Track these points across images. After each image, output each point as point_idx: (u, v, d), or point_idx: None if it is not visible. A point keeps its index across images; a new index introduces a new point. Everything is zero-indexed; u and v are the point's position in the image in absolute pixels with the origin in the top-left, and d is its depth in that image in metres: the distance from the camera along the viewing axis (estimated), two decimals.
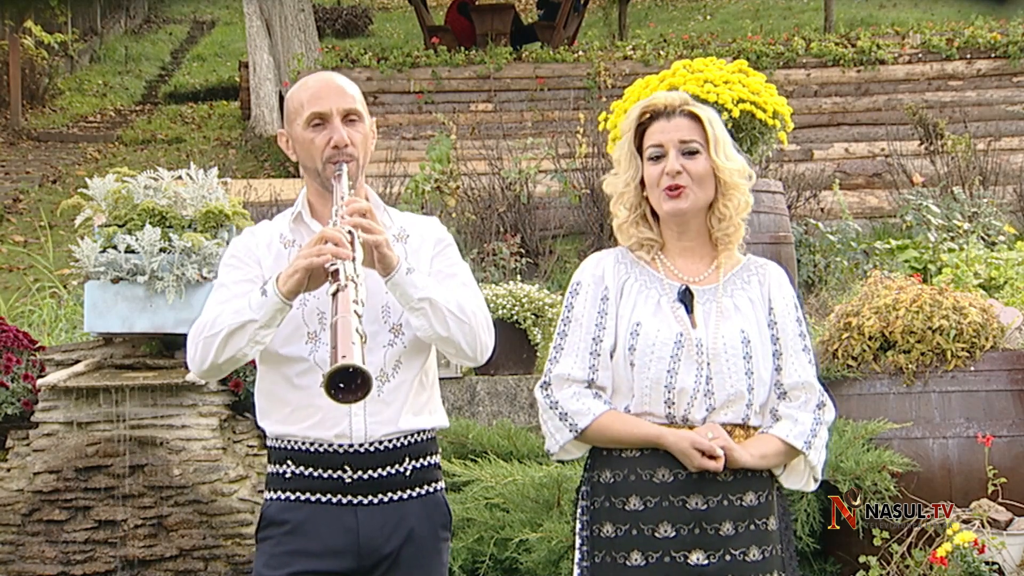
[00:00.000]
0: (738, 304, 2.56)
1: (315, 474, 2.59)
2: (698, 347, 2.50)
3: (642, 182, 2.60)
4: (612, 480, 2.54)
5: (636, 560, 2.49)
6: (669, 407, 2.49)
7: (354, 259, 2.37)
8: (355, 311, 2.25)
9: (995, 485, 4.39)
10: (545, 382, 2.58)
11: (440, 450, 2.75)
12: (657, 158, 2.56)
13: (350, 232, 2.43)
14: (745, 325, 2.53)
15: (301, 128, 2.63)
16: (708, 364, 2.49)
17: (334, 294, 2.31)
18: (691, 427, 2.49)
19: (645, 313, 2.54)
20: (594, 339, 2.55)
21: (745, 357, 2.51)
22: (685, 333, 2.51)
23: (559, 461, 3.59)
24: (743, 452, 2.47)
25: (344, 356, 2.17)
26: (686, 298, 2.55)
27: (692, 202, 2.54)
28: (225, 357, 2.52)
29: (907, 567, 4.23)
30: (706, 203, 2.57)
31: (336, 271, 2.34)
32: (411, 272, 2.52)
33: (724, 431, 2.48)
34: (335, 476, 2.58)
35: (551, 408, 2.56)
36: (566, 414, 2.54)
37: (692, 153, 2.54)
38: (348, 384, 2.19)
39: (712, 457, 2.43)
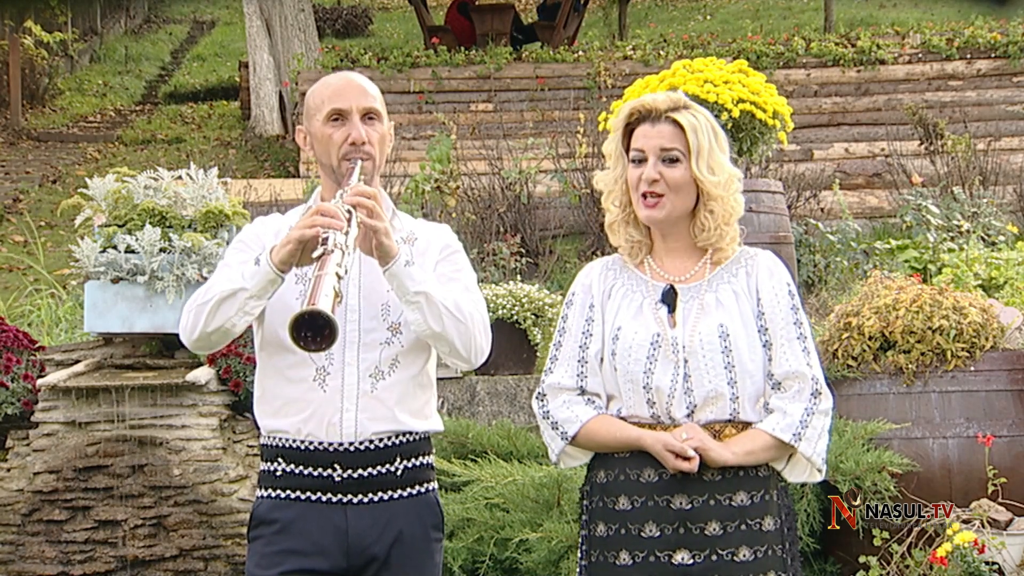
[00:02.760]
0: (721, 299, 2.54)
1: (305, 472, 2.58)
2: (674, 346, 2.49)
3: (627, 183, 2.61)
4: (605, 480, 2.55)
5: (624, 559, 2.50)
6: (651, 407, 2.50)
7: (347, 233, 2.38)
8: (336, 272, 2.27)
9: (995, 485, 4.39)
10: (540, 392, 2.62)
11: (433, 450, 2.74)
12: (638, 162, 2.56)
13: (349, 211, 2.44)
14: (726, 320, 2.51)
15: (320, 124, 2.64)
16: (685, 362, 2.49)
17: (319, 256, 2.33)
18: (676, 426, 2.49)
19: (626, 317, 2.55)
20: (580, 347, 2.58)
21: (724, 352, 2.49)
22: (662, 333, 2.51)
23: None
24: (723, 450, 2.46)
25: (314, 304, 2.18)
26: (669, 298, 2.55)
27: (667, 212, 2.54)
28: (214, 326, 2.53)
29: (907, 567, 4.23)
30: (685, 211, 2.56)
31: (326, 238, 2.36)
32: (410, 265, 2.52)
33: (700, 430, 2.47)
34: (325, 474, 2.57)
35: (544, 418, 2.60)
36: (557, 423, 2.57)
37: (672, 161, 2.53)
38: (315, 335, 2.20)
39: (686, 458, 2.43)
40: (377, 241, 2.47)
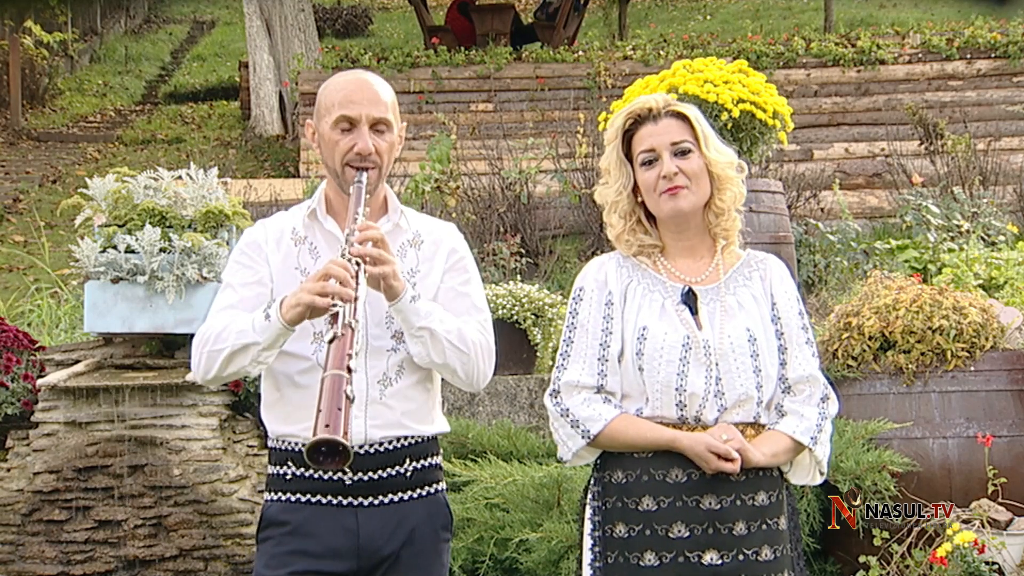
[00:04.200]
0: (741, 302, 2.56)
1: (315, 475, 2.59)
2: (706, 348, 2.49)
3: (635, 189, 2.60)
4: (624, 480, 2.54)
5: (650, 560, 2.49)
6: (681, 410, 2.50)
7: (356, 299, 2.39)
8: (348, 365, 2.27)
9: (995, 485, 4.39)
10: (555, 390, 2.58)
11: (441, 451, 2.75)
12: (650, 162, 2.55)
13: (358, 264, 2.44)
14: (750, 323, 2.53)
15: (328, 127, 2.64)
16: (717, 365, 2.49)
17: (330, 341, 2.33)
18: (704, 428, 2.49)
19: (651, 317, 2.54)
20: (601, 345, 2.55)
21: (753, 355, 2.51)
22: (692, 335, 2.51)
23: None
24: (756, 452, 2.47)
25: (327, 426, 2.19)
26: (689, 299, 2.55)
27: (691, 201, 2.55)
28: (228, 372, 2.56)
29: (907, 567, 4.23)
30: (704, 200, 2.57)
31: (336, 315, 2.36)
32: (415, 300, 2.53)
33: (737, 431, 2.48)
34: (335, 478, 2.58)
35: (562, 416, 2.56)
36: (578, 421, 2.53)
37: (684, 152, 2.54)
38: (331, 452, 2.20)
39: (728, 459, 2.44)
40: (385, 285, 2.49)
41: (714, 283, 2.58)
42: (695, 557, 2.47)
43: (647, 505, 2.50)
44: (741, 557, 2.47)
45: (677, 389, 2.49)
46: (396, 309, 2.52)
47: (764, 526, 2.50)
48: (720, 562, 2.46)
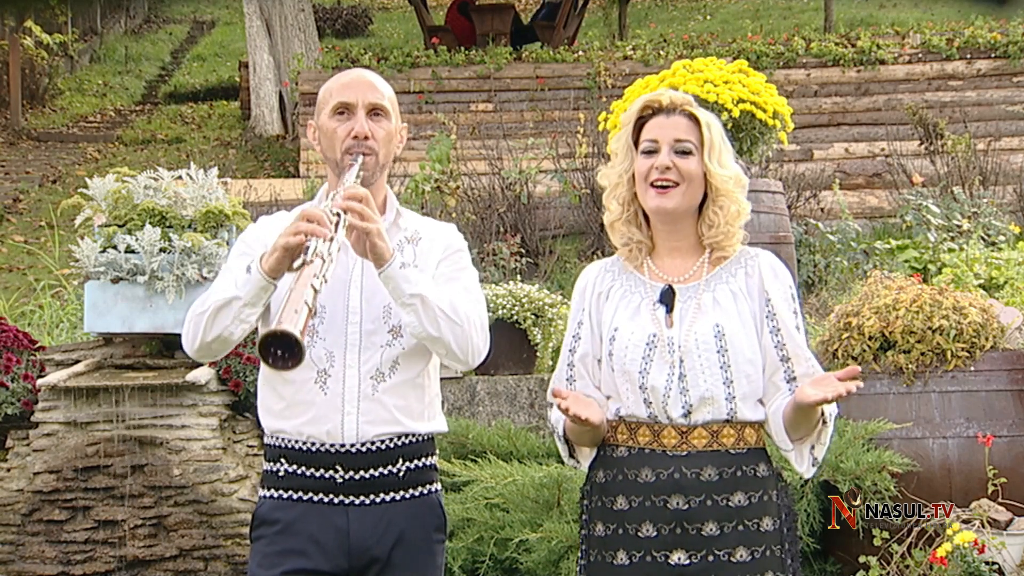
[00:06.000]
0: (718, 298, 2.55)
1: (307, 473, 2.58)
2: (670, 346, 2.50)
3: (634, 177, 2.61)
4: (604, 480, 2.57)
5: (622, 559, 2.51)
6: (648, 407, 2.51)
7: (331, 240, 2.38)
8: (312, 284, 2.27)
9: (995, 485, 4.39)
10: (549, 402, 2.66)
11: (437, 452, 2.74)
12: (650, 152, 2.56)
13: (337, 214, 2.43)
14: (722, 319, 2.52)
15: (326, 117, 2.65)
16: (681, 362, 2.50)
17: (298, 268, 2.34)
18: (675, 427, 2.50)
19: (623, 317, 2.57)
20: (570, 350, 2.63)
21: (720, 352, 2.49)
22: (658, 333, 2.52)
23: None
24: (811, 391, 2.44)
25: (281, 324, 2.18)
26: (667, 298, 2.56)
27: (677, 202, 2.53)
28: (213, 335, 2.54)
29: (907, 567, 4.23)
30: (693, 205, 2.56)
31: (308, 248, 2.37)
32: (405, 267, 2.51)
33: (580, 396, 2.50)
34: (327, 476, 2.57)
35: (550, 422, 2.66)
36: (553, 424, 2.66)
37: (685, 153, 2.54)
38: (285, 352, 2.20)
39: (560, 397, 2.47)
40: (370, 243, 2.47)
41: (695, 281, 2.58)
42: (662, 557, 2.48)
43: (621, 504, 2.53)
44: (711, 558, 2.47)
45: (641, 387, 2.50)
46: (386, 276, 2.49)
47: (741, 527, 2.49)
48: (687, 562, 2.47)
